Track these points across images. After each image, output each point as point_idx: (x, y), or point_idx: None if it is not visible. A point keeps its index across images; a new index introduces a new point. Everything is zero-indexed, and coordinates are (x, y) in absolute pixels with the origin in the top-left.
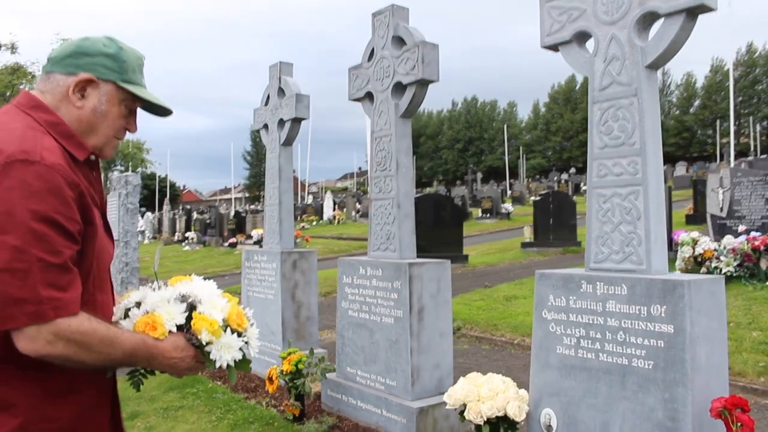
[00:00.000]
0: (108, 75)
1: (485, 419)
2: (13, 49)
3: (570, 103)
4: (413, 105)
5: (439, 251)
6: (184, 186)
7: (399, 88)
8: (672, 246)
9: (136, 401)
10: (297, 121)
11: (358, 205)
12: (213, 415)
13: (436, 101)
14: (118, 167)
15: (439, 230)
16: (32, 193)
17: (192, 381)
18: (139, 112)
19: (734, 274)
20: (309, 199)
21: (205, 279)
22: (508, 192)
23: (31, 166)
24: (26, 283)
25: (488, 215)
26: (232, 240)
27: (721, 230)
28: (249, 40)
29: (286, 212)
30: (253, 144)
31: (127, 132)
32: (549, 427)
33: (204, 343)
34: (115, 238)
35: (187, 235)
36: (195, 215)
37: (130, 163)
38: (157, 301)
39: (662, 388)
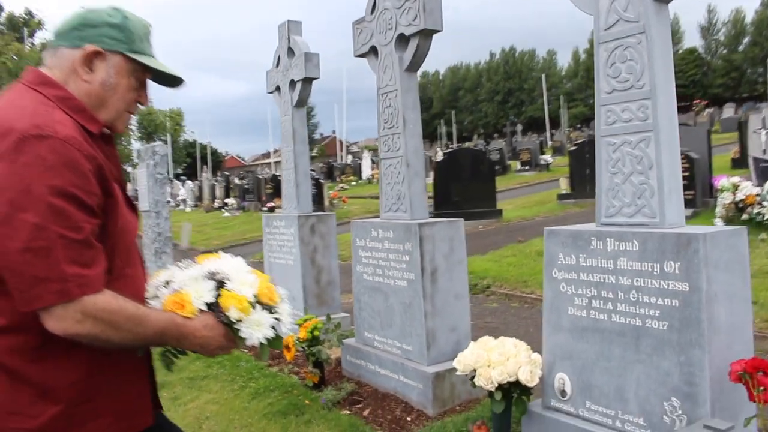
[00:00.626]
0: (115, 46)
1: (496, 385)
2: (39, 25)
3: None
4: (417, 57)
5: (473, 207)
6: (226, 152)
7: (402, 40)
8: (713, 192)
9: (164, 371)
10: (308, 81)
11: None
12: (235, 384)
13: (474, 53)
14: (159, 140)
15: (471, 185)
16: (48, 167)
17: None
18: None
19: None
20: (348, 159)
21: (244, 244)
22: (549, 143)
23: (45, 140)
24: (49, 262)
25: (527, 167)
26: (270, 204)
27: (764, 174)
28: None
29: (302, 175)
30: None
31: (139, 105)
32: (563, 392)
33: (234, 321)
34: (146, 208)
35: (226, 201)
36: (234, 181)
37: (170, 135)
38: (185, 279)
39: (678, 351)
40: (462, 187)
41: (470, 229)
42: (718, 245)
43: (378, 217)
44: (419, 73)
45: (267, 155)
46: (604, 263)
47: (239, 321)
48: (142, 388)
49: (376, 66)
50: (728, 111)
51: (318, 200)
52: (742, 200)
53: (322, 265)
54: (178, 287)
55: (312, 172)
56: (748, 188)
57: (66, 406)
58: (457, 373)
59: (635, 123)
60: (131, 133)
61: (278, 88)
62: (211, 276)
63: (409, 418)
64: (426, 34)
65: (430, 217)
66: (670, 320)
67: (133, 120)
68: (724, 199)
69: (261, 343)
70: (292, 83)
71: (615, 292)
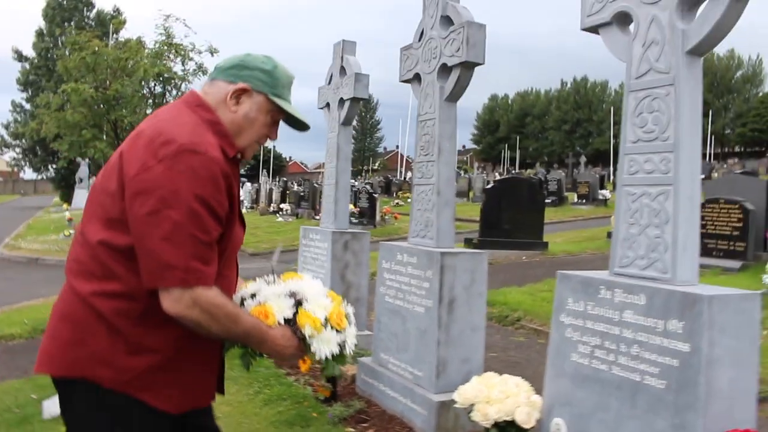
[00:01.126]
0: (261, 87)
1: (492, 422)
2: (123, 24)
3: None
4: (458, 88)
5: (519, 236)
6: (290, 158)
7: (445, 70)
8: (767, 246)
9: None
10: (356, 101)
11: None
12: (251, 389)
13: (545, 80)
14: None
15: (520, 214)
16: (197, 178)
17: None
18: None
19: None
20: (408, 175)
21: (293, 250)
22: (611, 177)
23: (198, 156)
24: (180, 253)
25: (584, 201)
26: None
27: None
28: (360, 13)
29: (342, 192)
30: (358, 119)
31: (268, 139)
32: None
33: (306, 336)
34: None
35: (281, 206)
36: (292, 187)
37: None
38: (269, 294)
39: (673, 412)
40: (510, 216)
41: (514, 258)
42: (725, 308)
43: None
44: (488, 94)
45: None
46: (611, 314)
47: (311, 337)
48: (211, 372)
49: (418, 93)
50: None
51: (370, 214)
52: None
53: (352, 282)
54: (263, 300)
55: (367, 186)
56: None
57: (148, 371)
58: (456, 405)
59: (656, 175)
60: None
61: (328, 105)
62: (292, 295)
63: None
64: (468, 66)
65: (475, 241)
66: (668, 379)
67: None
68: None
69: (327, 358)
70: (341, 102)
71: (618, 344)
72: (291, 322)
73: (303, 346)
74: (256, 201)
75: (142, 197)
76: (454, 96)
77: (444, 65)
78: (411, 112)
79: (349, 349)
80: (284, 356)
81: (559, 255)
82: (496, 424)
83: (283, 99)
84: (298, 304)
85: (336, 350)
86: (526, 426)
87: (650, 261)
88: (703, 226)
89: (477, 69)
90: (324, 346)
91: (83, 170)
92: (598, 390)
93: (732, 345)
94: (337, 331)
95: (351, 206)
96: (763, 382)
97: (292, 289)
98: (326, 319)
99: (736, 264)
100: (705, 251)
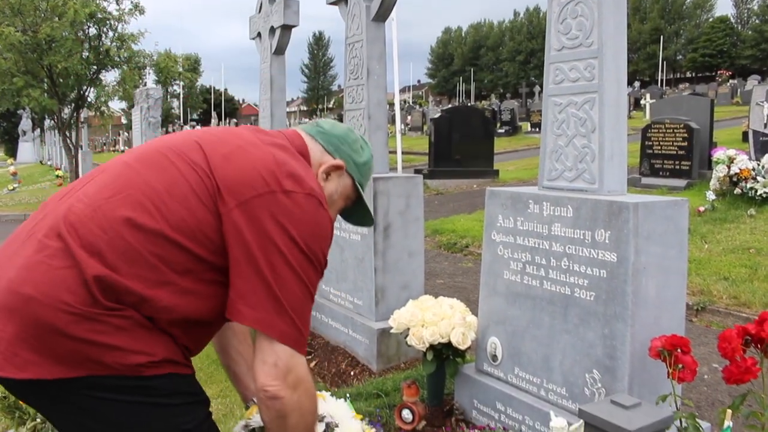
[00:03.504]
0: (352, 171)
1: (428, 345)
2: (140, 10)
3: (639, 12)
4: (384, 7)
5: (470, 165)
6: (243, 100)
7: None
8: (711, 165)
9: None
10: (287, 28)
11: (409, 118)
12: None
13: (498, 12)
14: (151, 79)
15: (470, 144)
16: (322, 231)
17: None
18: None
19: None
20: None
21: None
22: None
23: (324, 211)
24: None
25: (537, 130)
26: None
27: (763, 148)
28: None
29: (278, 124)
30: (310, 57)
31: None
32: (495, 357)
33: None
34: None
35: None
36: None
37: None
38: None
39: (602, 323)
40: (461, 145)
41: (465, 187)
42: (652, 215)
43: None
44: (441, 27)
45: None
46: (540, 228)
47: None
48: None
49: (345, 15)
50: (752, 83)
51: None
52: (736, 174)
53: None
54: None
55: None
56: (743, 162)
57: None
58: (392, 331)
59: (581, 83)
60: (146, 76)
61: (259, 35)
62: (321, 419)
63: (352, 373)
64: None
65: (425, 172)
66: (597, 291)
67: (149, 67)
68: (719, 172)
69: None
70: (272, 30)
71: (548, 259)
72: None
73: None
74: None
75: (265, 223)
76: (381, 15)
77: None
78: None
79: None
80: None
81: (510, 182)
82: (432, 347)
83: (363, 189)
84: (329, 429)
85: None
86: (462, 347)
87: (578, 172)
88: (649, 147)
89: (430, 2)
90: None
91: (26, 123)
92: (531, 306)
93: (659, 253)
94: None
95: None
96: (702, 293)
97: (320, 413)
98: None
99: (681, 183)
100: (652, 171)
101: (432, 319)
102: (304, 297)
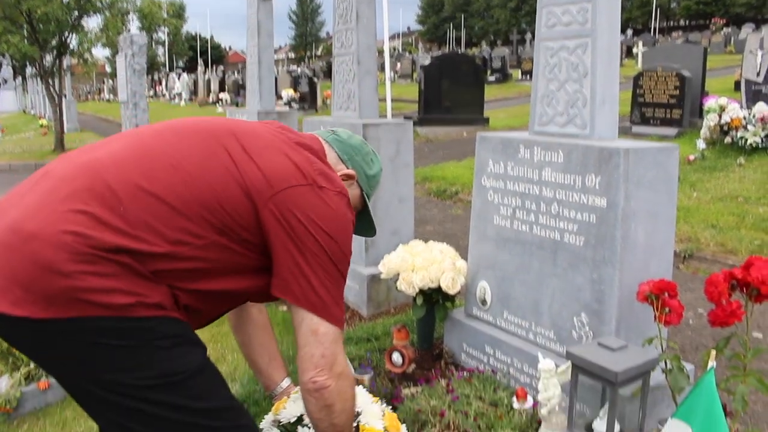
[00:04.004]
0: (362, 182)
1: (417, 290)
2: None
3: None
4: None
5: (460, 113)
6: (229, 47)
7: None
8: (702, 113)
9: None
10: None
11: (398, 66)
12: None
13: None
14: (135, 26)
15: (460, 91)
16: (347, 229)
17: None
18: None
19: (760, 146)
20: None
21: None
22: None
23: (350, 213)
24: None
25: (528, 77)
26: None
27: (755, 97)
28: None
29: (266, 70)
30: (298, 3)
31: None
32: (484, 301)
33: None
34: (124, 99)
35: (220, 96)
36: (231, 76)
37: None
38: None
39: (591, 267)
40: (450, 93)
41: (455, 135)
42: (642, 161)
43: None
44: None
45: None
46: (530, 173)
47: None
48: None
49: None
50: (746, 32)
51: (312, 98)
52: (727, 123)
53: None
54: None
55: (307, 71)
56: (735, 111)
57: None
58: (382, 276)
59: (574, 27)
60: (129, 23)
61: None
62: None
63: None
64: None
65: (415, 119)
66: (586, 236)
67: (133, 12)
68: (710, 120)
69: None
70: None
71: (538, 204)
72: None
73: None
74: (194, 92)
75: (300, 214)
76: None
77: None
78: None
79: None
80: None
81: (500, 130)
82: (422, 292)
83: (369, 201)
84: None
85: None
86: (452, 291)
87: (569, 117)
88: (641, 95)
89: None
90: None
91: (7, 71)
92: (520, 251)
93: (649, 198)
94: None
95: (291, 91)
96: (689, 241)
97: None
98: (385, 429)
99: (672, 131)
100: (643, 120)
101: (422, 263)
102: (339, 284)
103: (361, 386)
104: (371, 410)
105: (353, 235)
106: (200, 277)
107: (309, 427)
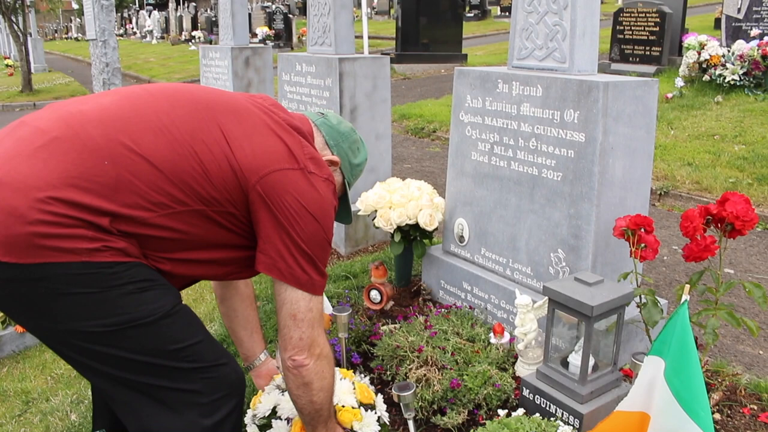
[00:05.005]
0: (345, 169)
1: (395, 227)
2: None
3: None
4: None
5: (438, 50)
6: None
7: None
8: (681, 51)
9: None
10: None
11: (375, 1)
12: None
13: None
14: None
15: (438, 28)
16: (330, 215)
17: None
18: None
19: (738, 83)
20: None
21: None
22: None
23: (331, 201)
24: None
25: (507, 14)
26: None
27: (735, 34)
28: None
29: (238, 4)
30: None
31: None
32: (461, 238)
33: (353, 430)
34: (92, 37)
35: (193, 34)
36: (204, 12)
37: None
38: (292, 407)
39: (569, 203)
40: (428, 30)
41: (432, 72)
42: (621, 95)
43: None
44: None
45: None
46: (508, 108)
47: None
48: None
49: None
50: None
51: (287, 36)
52: (706, 60)
53: None
54: (290, 415)
55: (282, 7)
56: (714, 48)
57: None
58: (359, 213)
59: None
60: None
61: None
62: None
63: None
64: None
65: (392, 56)
66: (564, 171)
67: None
68: (689, 58)
69: None
70: None
71: (516, 139)
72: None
73: None
74: (166, 30)
75: (286, 196)
76: None
77: None
78: None
79: (384, 419)
80: None
81: (478, 66)
82: (400, 229)
83: (350, 187)
84: None
85: (378, 429)
86: (430, 228)
87: (548, 51)
88: (620, 32)
89: None
90: (368, 430)
91: None
92: (498, 187)
93: (627, 134)
94: (371, 407)
95: (266, 28)
96: (665, 178)
97: None
98: (358, 402)
99: (651, 69)
100: (622, 57)
101: (399, 200)
102: (319, 266)
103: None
104: (342, 387)
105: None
106: (177, 245)
107: (281, 419)
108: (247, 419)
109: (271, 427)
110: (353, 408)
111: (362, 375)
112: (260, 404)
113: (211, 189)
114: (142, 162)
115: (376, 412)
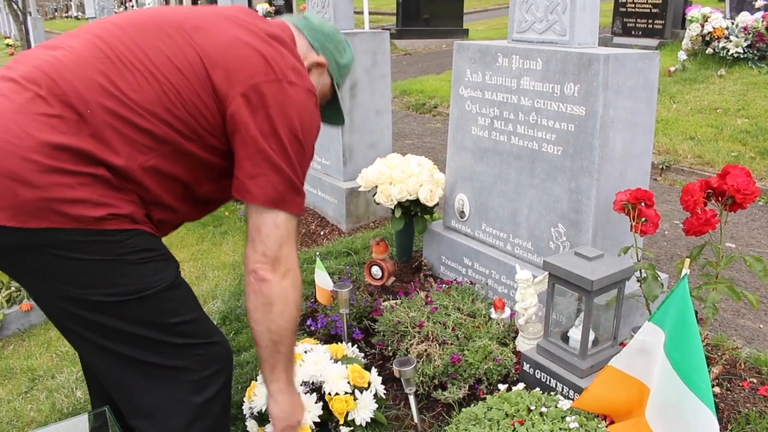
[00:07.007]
0: (332, 70)
1: (396, 202)
2: None
3: None
4: None
5: (439, 25)
6: None
7: None
8: (685, 24)
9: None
10: None
11: None
12: None
13: None
14: None
15: (437, 3)
16: (315, 125)
17: None
18: None
19: (742, 56)
20: None
21: None
22: None
23: (317, 112)
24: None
25: None
26: None
27: (739, 6)
28: None
29: None
30: None
31: None
32: (462, 213)
33: (351, 419)
34: (92, 15)
35: None
36: None
37: None
38: None
39: (569, 177)
40: (429, 4)
41: (434, 47)
42: (622, 68)
43: None
44: None
45: None
46: (509, 82)
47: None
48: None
49: None
50: None
51: (287, 11)
52: (710, 33)
53: None
54: None
55: None
56: (718, 20)
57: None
58: (360, 189)
59: None
60: None
61: None
62: (311, 388)
63: (322, 233)
64: None
65: (393, 31)
66: (564, 145)
67: None
68: (693, 30)
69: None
70: None
71: (516, 114)
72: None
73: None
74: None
75: (268, 110)
76: None
77: None
78: None
79: (380, 393)
80: (285, 419)
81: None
82: (400, 204)
83: (340, 88)
84: (319, 391)
85: (375, 406)
86: (430, 204)
87: (549, 23)
88: (623, 5)
89: None
90: (363, 412)
91: None
92: (498, 162)
93: (628, 107)
94: (365, 389)
95: (266, 5)
96: (667, 152)
97: (304, 380)
98: (351, 386)
99: (653, 42)
100: (624, 31)
101: (400, 176)
102: (295, 182)
103: (323, 351)
104: (333, 372)
105: (330, 148)
106: (166, 185)
107: None
108: (245, 411)
109: (269, 421)
110: (347, 394)
111: (353, 346)
112: (256, 397)
113: (193, 123)
114: (121, 105)
115: (370, 389)
